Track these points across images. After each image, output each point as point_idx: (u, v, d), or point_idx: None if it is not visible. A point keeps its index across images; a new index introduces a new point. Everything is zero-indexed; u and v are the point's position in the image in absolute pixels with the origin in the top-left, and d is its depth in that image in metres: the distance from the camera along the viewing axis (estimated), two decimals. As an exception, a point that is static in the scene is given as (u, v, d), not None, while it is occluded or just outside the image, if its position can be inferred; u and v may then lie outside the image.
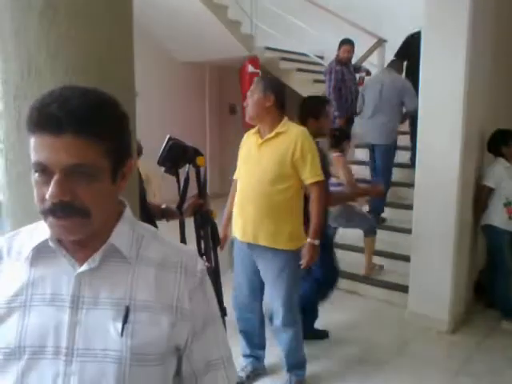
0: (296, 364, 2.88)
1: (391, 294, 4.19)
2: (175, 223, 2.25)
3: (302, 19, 6.85)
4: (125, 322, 0.87)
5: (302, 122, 2.99)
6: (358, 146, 5.70)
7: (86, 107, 0.82)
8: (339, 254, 3.79)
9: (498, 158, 3.87)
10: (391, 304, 4.10)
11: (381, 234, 4.43)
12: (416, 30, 4.84)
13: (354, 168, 4.77)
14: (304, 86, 6.67)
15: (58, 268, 0.90)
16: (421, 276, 3.78)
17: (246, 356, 3.02)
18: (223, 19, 6.47)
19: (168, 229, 2.05)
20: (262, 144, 2.67)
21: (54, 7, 1.20)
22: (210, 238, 2.31)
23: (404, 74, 5.27)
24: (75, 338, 0.86)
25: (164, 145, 2.20)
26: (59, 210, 0.81)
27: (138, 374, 0.87)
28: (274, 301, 2.77)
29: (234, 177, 2.93)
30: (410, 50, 5.12)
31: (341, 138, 4.00)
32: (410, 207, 4.07)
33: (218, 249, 2.41)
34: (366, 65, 6.09)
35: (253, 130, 2.80)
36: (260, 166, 2.65)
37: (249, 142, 2.79)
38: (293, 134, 2.61)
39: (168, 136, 2.22)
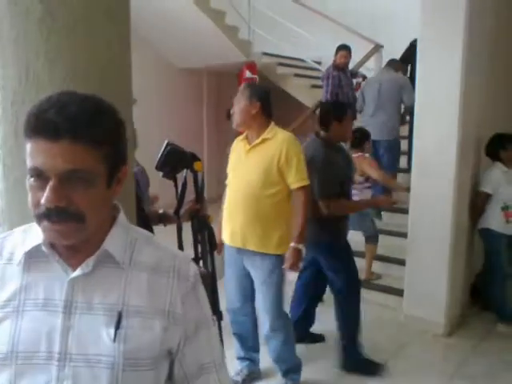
0: (290, 369, 2.88)
1: (387, 298, 4.19)
2: (172, 228, 2.26)
3: (299, 25, 6.89)
4: (117, 327, 0.87)
5: (326, 126, 3.02)
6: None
7: (83, 113, 0.82)
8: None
9: (495, 163, 3.84)
10: (387, 307, 4.10)
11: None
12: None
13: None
14: (301, 92, 6.71)
15: (51, 273, 0.90)
16: (417, 279, 3.79)
17: (240, 358, 3.01)
18: (221, 25, 6.50)
19: (165, 233, 2.07)
20: (249, 150, 2.69)
21: (53, 14, 1.22)
22: (207, 243, 2.33)
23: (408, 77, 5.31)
24: (68, 343, 0.86)
25: (162, 150, 2.21)
26: (54, 215, 0.81)
27: (131, 379, 0.87)
28: (261, 306, 2.77)
29: (226, 182, 2.94)
30: (414, 55, 5.17)
31: (362, 139, 4.07)
32: (406, 211, 4.07)
33: (215, 253, 2.43)
34: (362, 70, 6.12)
35: (241, 137, 2.81)
36: (248, 171, 2.67)
37: (238, 147, 2.81)
38: (279, 139, 2.62)
39: (166, 141, 2.24)
